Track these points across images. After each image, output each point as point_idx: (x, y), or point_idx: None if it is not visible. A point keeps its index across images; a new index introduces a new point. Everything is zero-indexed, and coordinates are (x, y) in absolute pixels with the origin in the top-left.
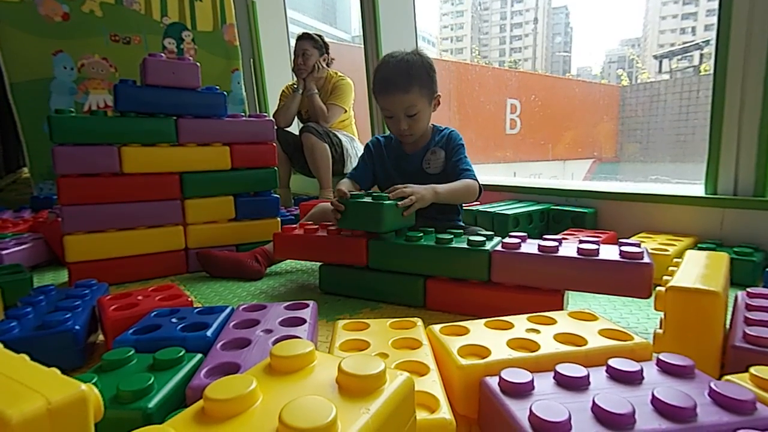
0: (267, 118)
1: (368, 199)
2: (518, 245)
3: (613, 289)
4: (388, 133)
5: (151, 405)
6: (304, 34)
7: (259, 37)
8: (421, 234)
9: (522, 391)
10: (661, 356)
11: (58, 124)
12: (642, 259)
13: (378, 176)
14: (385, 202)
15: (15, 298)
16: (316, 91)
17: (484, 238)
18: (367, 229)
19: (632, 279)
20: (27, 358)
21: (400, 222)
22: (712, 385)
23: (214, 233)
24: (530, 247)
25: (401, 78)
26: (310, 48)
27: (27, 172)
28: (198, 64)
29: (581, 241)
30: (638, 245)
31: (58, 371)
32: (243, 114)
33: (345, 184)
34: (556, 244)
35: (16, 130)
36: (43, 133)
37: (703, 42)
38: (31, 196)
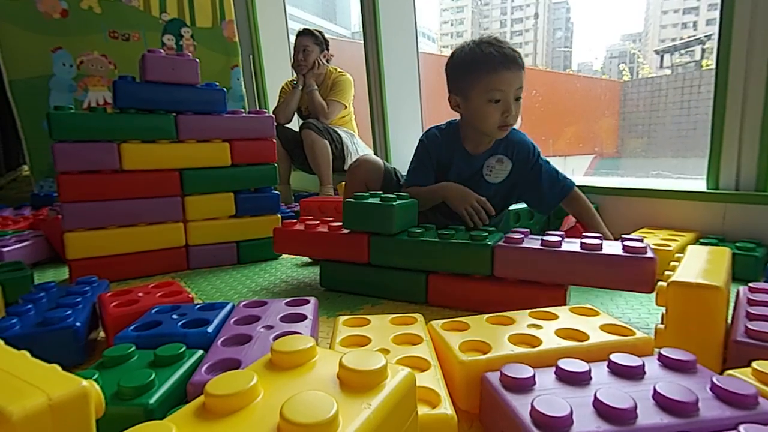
0: (267, 115)
1: (377, 200)
2: (521, 240)
3: (616, 283)
4: (443, 124)
5: (152, 401)
6: (304, 30)
7: (259, 34)
8: (423, 229)
9: (523, 386)
10: (663, 351)
11: (57, 121)
12: (645, 253)
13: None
14: (395, 203)
15: (16, 295)
16: (316, 87)
17: (486, 233)
18: (377, 230)
19: (635, 273)
20: (28, 354)
21: (408, 222)
22: (714, 380)
23: (215, 230)
24: (533, 242)
25: (516, 54)
26: (311, 44)
27: (27, 169)
28: (197, 60)
29: (584, 236)
30: (641, 240)
31: (59, 368)
32: (243, 110)
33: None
34: (558, 239)
35: (16, 127)
36: (43, 131)
37: (704, 37)
38: (32, 194)
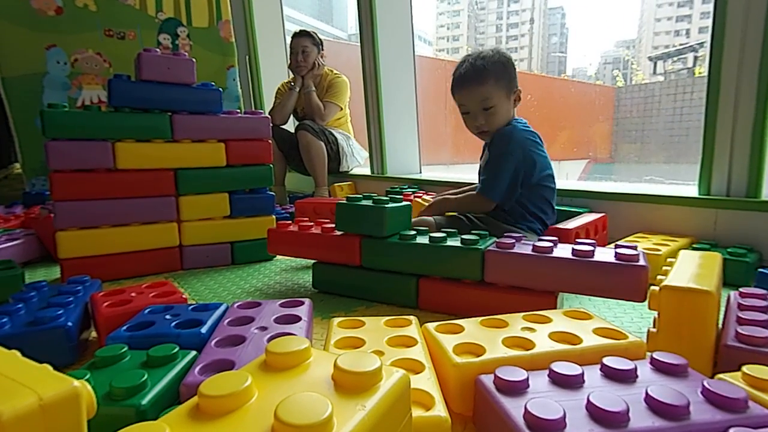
0: (263, 115)
1: (369, 203)
2: (512, 245)
3: (607, 291)
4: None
5: (144, 402)
6: (301, 31)
7: (255, 34)
8: (415, 232)
9: (517, 389)
10: (655, 355)
11: (50, 118)
12: (637, 261)
13: None
14: (386, 205)
15: (6, 294)
16: (314, 88)
17: (477, 237)
18: (368, 232)
19: (627, 282)
20: (18, 354)
21: (401, 225)
22: (705, 384)
23: (209, 230)
24: (524, 247)
25: (475, 71)
26: (310, 45)
27: (19, 167)
28: (193, 59)
29: (576, 242)
30: (635, 247)
31: (50, 368)
32: (239, 111)
33: None
34: (550, 244)
35: (8, 125)
36: (36, 129)
37: (697, 44)
38: (23, 192)
